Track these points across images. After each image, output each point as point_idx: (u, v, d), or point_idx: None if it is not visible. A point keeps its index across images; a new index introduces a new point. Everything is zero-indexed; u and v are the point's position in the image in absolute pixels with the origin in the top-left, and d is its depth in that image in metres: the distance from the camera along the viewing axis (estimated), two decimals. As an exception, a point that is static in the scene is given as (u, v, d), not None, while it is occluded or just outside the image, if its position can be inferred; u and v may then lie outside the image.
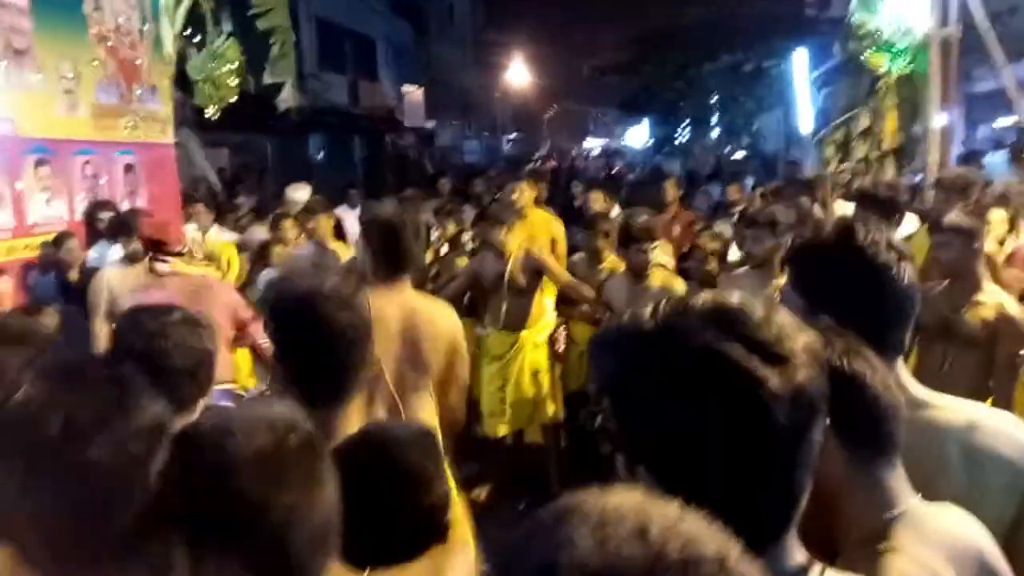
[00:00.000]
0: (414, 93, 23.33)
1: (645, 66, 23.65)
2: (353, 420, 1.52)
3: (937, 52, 7.58)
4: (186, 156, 7.53)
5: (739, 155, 22.11)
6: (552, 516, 0.56)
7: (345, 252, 5.55)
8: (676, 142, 25.98)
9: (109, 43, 6.12)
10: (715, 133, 24.90)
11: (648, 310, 0.80)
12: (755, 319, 0.77)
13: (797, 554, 0.82)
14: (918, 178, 7.81)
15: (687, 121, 25.33)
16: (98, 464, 0.84)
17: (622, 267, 4.55)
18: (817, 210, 5.77)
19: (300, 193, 7.00)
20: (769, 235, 3.60)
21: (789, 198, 6.27)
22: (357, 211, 8.98)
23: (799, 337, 0.77)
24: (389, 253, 2.52)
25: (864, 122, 9.23)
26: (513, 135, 39.44)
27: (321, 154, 18.96)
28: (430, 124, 25.28)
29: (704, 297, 0.80)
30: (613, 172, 20.23)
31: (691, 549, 0.53)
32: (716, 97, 23.45)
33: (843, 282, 1.35)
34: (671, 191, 6.76)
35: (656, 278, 4.24)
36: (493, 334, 4.65)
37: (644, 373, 0.77)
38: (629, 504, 0.56)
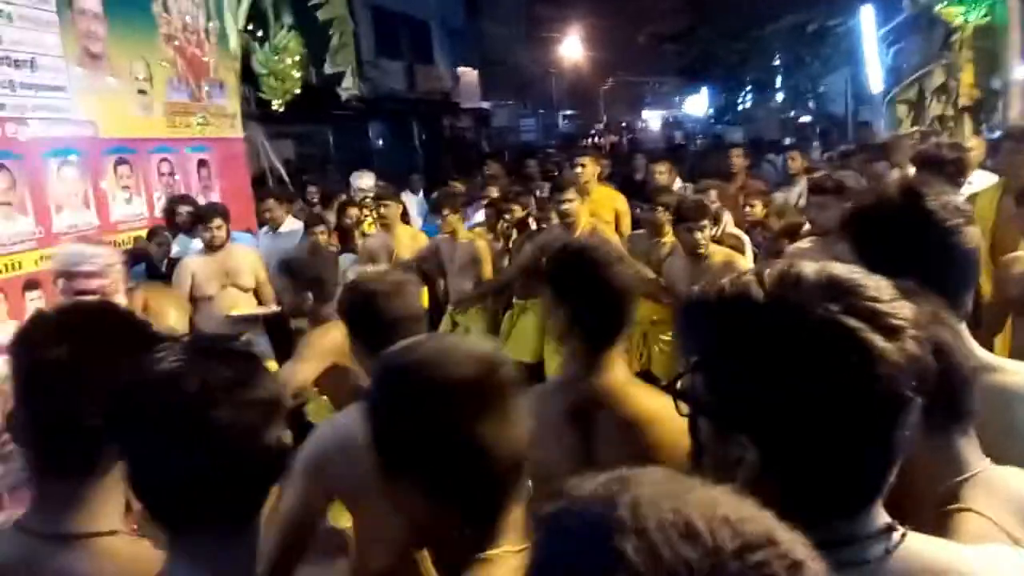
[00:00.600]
0: (469, 74, 23.38)
1: (703, 31, 23.08)
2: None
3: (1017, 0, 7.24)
4: (254, 149, 7.79)
5: (805, 119, 21.49)
6: (590, 528, 0.54)
7: (411, 237, 5.69)
8: (738, 109, 25.35)
9: (177, 42, 6.36)
10: (779, 97, 24.20)
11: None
12: (869, 290, 0.80)
13: (881, 517, 0.86)
14: (997, 135, 7.49)
15: (749, 86, 24.67)
16: (223, 425, 0.95)
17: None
18: (896, 175, 5.59)
19: (364, 180, 7.16)
20: (836, 202, 3.51)
21: (861, 163, 6.09)
22: (420, 196, 9.19)
23: (907, 307, 0.81)
24: None
25: (938, 78, 8.86)
26: (569, 111, 39.12)
27: (380, 140, 19.24)
28: (486, 105, 25.32)
29: (815, 268, 0.82)
30: (674, 143, 19.96)
31: (744, 537, 0.52)
32: (779, 60, 22.77)
33: (908, 246, 1.34)
34: (738, 160, 6.63)
35: (717, 255, 4.09)
36: None
37: (754, 342, 0.79)
38: (663, 495, 0.54)
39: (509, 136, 27.32)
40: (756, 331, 0.79)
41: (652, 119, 43.44)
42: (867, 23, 16.48)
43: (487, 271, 5.27)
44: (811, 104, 22.42)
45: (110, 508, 1.17)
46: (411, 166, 14.53)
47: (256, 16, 7.61)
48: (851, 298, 0.78)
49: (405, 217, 6.24)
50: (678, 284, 4.16)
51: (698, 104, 37.77)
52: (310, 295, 3.00)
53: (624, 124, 37.09)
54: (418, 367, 1.07)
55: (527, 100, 33.04)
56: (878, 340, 0.77)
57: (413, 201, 8.49)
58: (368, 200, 6.20)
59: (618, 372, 1.76)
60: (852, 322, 0.77)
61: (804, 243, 3.76)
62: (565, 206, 4.69)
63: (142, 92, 5.89)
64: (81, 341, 1.15)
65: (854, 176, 4.17)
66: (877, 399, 0.77)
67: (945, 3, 7.84)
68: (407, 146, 20.06)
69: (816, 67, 21.43)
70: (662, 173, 6.44)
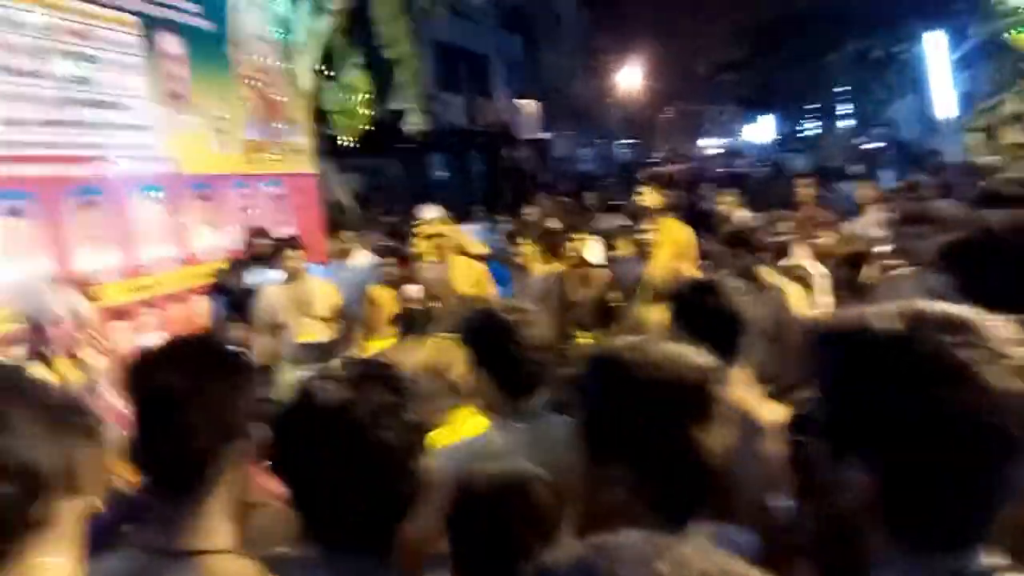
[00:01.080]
0: (528, 106, 23.67)
1: (763, 59, 22.95)
2: None
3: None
4: (324, 183, 8.03)
5: (870, 146, 21.06)
6: None
7: (467, 266, 5.74)
8: (800, 136, 25.02)
9: (253, 83, 6.64)
10: (842, 124, 23.80)
11: (888, 313, 0.87)
12: (990, 330, 0.84)
13: (987, 556, 0.86)
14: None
15: (811, 114, 24.35)
16: (388, 445, 1.03)
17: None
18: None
19: (430, 213, 7.29)
20: (932, 232, 3.37)
21: (936, 192, 5.93)
22: (480, 226, 9.29)
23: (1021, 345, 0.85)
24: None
25: (1011, 106, 8.63)
26: (626, 140, 39.16)
27: (442, 172, 19.58)
28: (545, 135, 25.55)
29: (940, 306, 0.87)
30: (734, 172, 19.76)
31: None
32: (842, 87, 22.46)
33: (1013, 280, 1.34)
34: (804, 190, 6.50)
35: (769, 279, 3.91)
36: None
37: (879, 373, 0.85)
38: (638, 560, 0.56)
39: (567, 166, 27.47)
40: (882, 360, 0.85)
41: (710, 148, 43.11)
42: (934, 50, 16.15)
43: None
44: (876, 131, 22.00)
45: (221, 526, 1.23)
46: (471, 197, 14.74)
47: (327, 56, 7.90)
48: (972, 336, 0.83)
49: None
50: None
51: (758, 132, 37.41)
52: None
53: (681, 153, 36.90)
54: (642, 365, 1.15)
55: (585, 130, 33.22)
56: (996, 378, 0.80)
57: (473, 232, 8.59)
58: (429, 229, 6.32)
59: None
60: (972, 360, 0.81)
61: (898, 273, 3.66)
62: (643, 236, 4.69)
63: (220, 131, 6.15)
64: (191, 369, 1.24)
65: (950, 206, 4.03)
66: (990, 436, 0.81)
67: (1015, 31, 7.65)
68: (467, 177, 20.36)
69: (882, 93, 21.06)
70: (728, 203, 6.37)
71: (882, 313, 0.88)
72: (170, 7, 5.68)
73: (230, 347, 1.43)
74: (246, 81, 6.55)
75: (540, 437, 1.67)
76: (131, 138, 5.24)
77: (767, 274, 3.77)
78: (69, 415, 1.11)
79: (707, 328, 1.74)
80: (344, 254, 6.16)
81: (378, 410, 1.04)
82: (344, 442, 1.03)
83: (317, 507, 1.07)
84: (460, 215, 8.35)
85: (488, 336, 1.80)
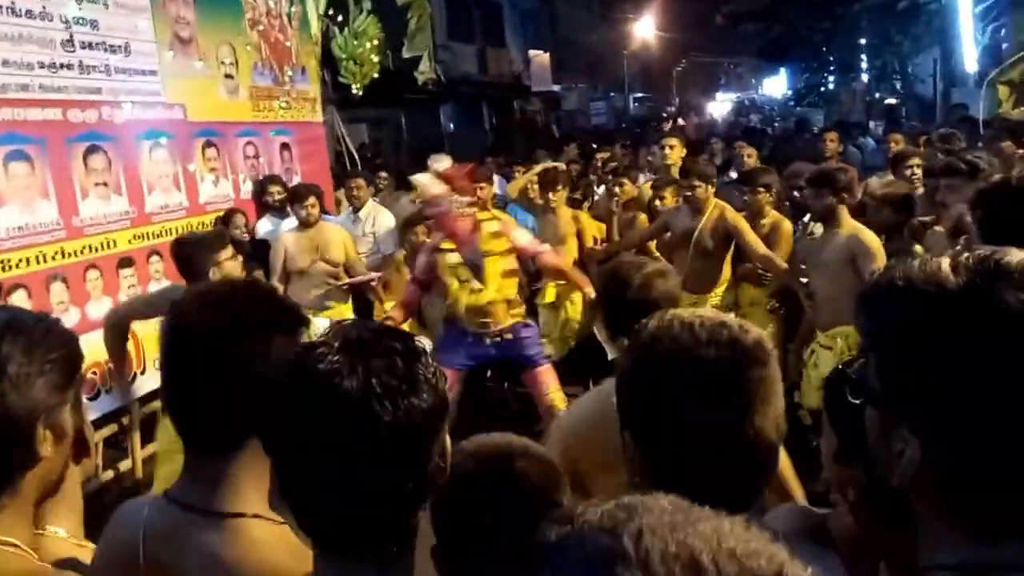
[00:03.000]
0: (540, 57, 23.30)
1: (786, 8, 22.39)
2: None
3: None
4: (331, 133, 7.94)
5: (891, 100, 20.69)
6: (592, 558, 0.53)
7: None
8: (820, 90, 24.56)
9: (261, 27, 6.52)
10: (864, 78, 23.35)
11: (947, 264, 0.77)
12: None
13: None
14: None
15: (832, 67, 23.87)
16: (390, 424, 0.87)
17: (785, 223, 4.47)
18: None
19: (440, 164, 7.23)
20: (969, 184, 3.31)
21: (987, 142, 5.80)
22: (495, 180, 9.23)
23: None
24: None
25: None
26: (640, 94, 38.60)
27: (452, 124, 19.39)
28: (557, 88, 25.19)
29: (1014, 256, 0.76)
30: (749, 126, 19.46)
31: (750, 573, 0.50)
32: (865, 38, 21.95)
33: None
34: (831, 145, 6.41)
35: (846, 227, 3.88)
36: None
37: (938, 330, 0.75)
38: (667, 526, 0.53)
39: (579, 119, 27.14)
40: (943, 318, 0.75)
41: (726, 102, 42.49)
42: (962, 0, 15.73)
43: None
44: (897, 85, 21.57)
45: (255, 489, 1.16)
46: (482, 149, 14.60)
47: (336, 1, 7.74)
48: None
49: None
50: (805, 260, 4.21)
51: (776, 86, 36.78)
52: None
53: (695, 107, 36.39)
54: (678, 345, 1.06)
55: (598, 83, 32.74)
56: None
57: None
58: None
59: None
60: None
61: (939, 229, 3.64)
62: (693, 192, 4.68)
63: (228, 76, 6.07)
64: (229, 316, 1.17)
65: (986, 158, 3.98)
66: None
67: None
68: (478, 130, 20.17)
69: (905, 46, 20.58)
70: (750, 157, 6.27)
71: (946, 263, 0.77)
72: (176, -53, 5.55)
73: (277, 294, 1.37)
74: (254, 26, 6.43)
75: None
76: (138, 83, 5.17)
77: (846, 215, 3.85)
78: (59, 355, 1.07)
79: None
80: (359, 202, 6.09)
81: (387, 385, 0.87)
82: (346, 421, 0.86)
83: (310, 501, 0.92)
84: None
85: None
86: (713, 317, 1.09)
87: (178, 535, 1.15)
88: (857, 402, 0.83)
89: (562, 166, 6.67)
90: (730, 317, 1.11)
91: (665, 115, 25.05)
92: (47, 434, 1.03)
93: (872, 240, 3.72)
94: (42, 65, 4.42)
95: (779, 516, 1.28)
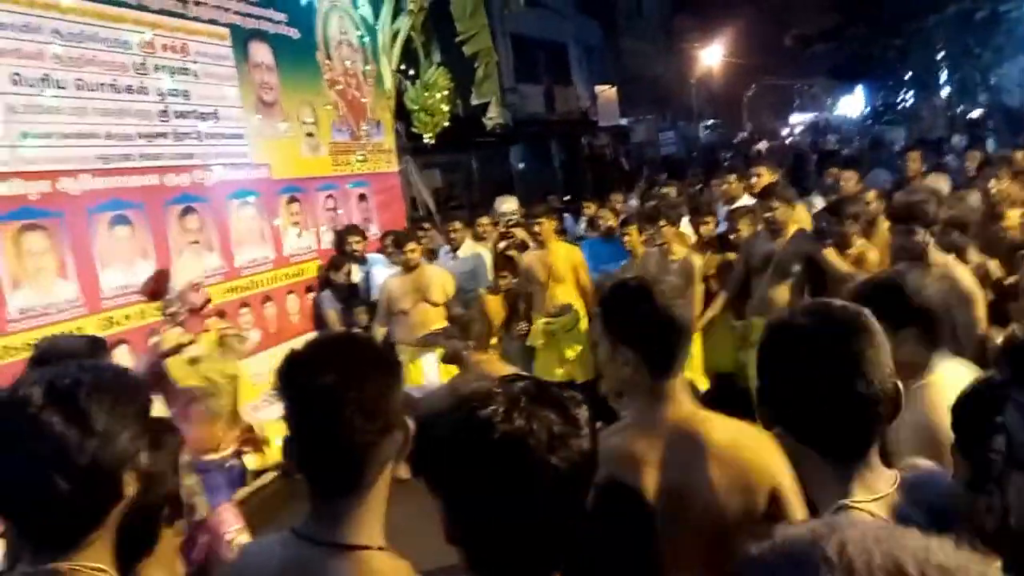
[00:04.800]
0: (607, 92, 23.46)
1: (855, 27, 21.92)
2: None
3: None
4: (407, 180, 8.22)
5: (975, 114, 19.93)
6: (796, 566, 0.54)
7: (567, 251, 5.77)
8: (899, 107, 23.87)
9: (339, 87, 6.86)
10: (944, 92, 22.58)
11: None
12: None
13: None
14: None
15: (909, 82, 23.18)
16: (561, 473, 0.96)
17: (871, 253, 4.36)
18: None
19: (507, 205, 7.42)
20: None
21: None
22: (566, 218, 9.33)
23: None
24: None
25: None
26: (710, 121, 38.25)
27: (521, 163, 19.68)
28: (624, 121, 25.26)
29: None
30: (824, 148, 19.05)
31: None
32: (943, 52, 21.28)
33: None
34: (913, 165, 6.21)
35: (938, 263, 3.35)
36: (756, 320, 4.58)
37: None
38: (872, 539, 0.54)
39: (648, 150, 27.08)
40: None
41: (799, 125, 41.63)
42: (1046, 6, 15.12)
43: (698, 290, 5.19)
44: (981, 98, 20.78)
45: (375, 523, 1.31)
46: (551, 187, 14.77)
47: (407, 55, 8.07)
48: None
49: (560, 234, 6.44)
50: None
51: (852, 105, 35.90)
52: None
53: (768, 130, 35.77)
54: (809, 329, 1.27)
55: (667, 113, 32.66)
56: None
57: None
58: (512, 222, 6.47)
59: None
60: None
61: None
62: (772, 214, 4.61)
63: (309, 135, 6.39)
64: (343, 368, 1.28)
65: None
66: None
67: None
68: (547, 168, 20.38)
69: (986, 57, 19.87)
70: (848, 180, 5.92)
71: None
72: (260, 17, 5.94)
73: (376, 344, 1.50)
74: (333, 86, 6.77)
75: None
76: (226, 147, 5.51)
77: (934, 250, 3.34)
78: (156, 425, 1.20)
79: (640, 336, 1.67)
80: (456, 244, 6.33)
81: (553, 436, 0.96)
82: (517, 469, 0.96)
83: (477, 535, 1.01)
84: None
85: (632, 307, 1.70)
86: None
87: (312, 569, 1.27)
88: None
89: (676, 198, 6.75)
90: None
91: (736, 142, 24.75)
92: (130, 478, 1.16)
93: (969, 282, 3.23)
94: (140, 135, 4.78)
95: (923, 483, 1.34)
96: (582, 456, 0.98)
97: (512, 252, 5.96)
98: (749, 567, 0.59)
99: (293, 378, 1.30)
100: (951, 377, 1.85)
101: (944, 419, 1.24)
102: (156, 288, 3.89)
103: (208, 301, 4.08)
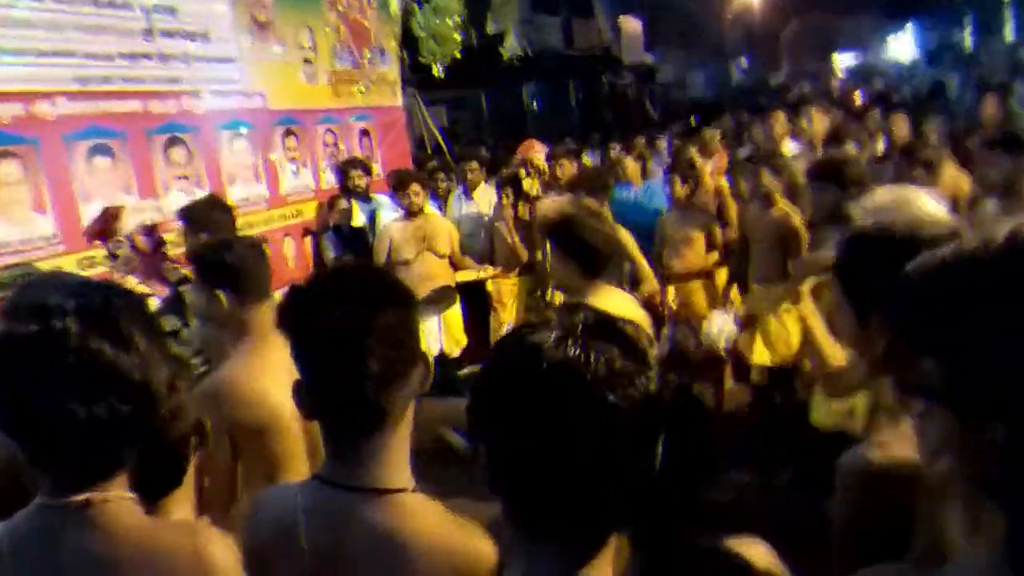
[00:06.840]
0: (631, 24, 23.04)
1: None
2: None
3: None
4: (409, 115, 8.10)
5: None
6: None
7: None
8: (955, 49, 23.43)
9: (340, 8, 6.70)
10: (1007, 34, 22.12)
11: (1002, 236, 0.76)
12: None
13: None
14: None
15: (968, 21, 22.71)
16: (617, 411, 0.88)
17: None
18: None
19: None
20: None
21: None
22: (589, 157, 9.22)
23: None
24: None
25: None
26: (745, 61, 37.69)
27: (536, 102, 19.43)
28: (650, 58, 24.86)
29: None
30: (875, 92, 18.70)
31: None
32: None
33: None
34: (990, 108, 6.05)
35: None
36: (756, 288, 4.60)
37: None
38: None
39: (675, 92, 26.71)
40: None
41: (844, 65, 41.01)
42: None
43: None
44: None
45: (403, 462, 1.31)
46: (567, 129, 14.56)
47: (417, -25, 7.90)
48: None
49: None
50: None
51: (901, 46, 35.25)
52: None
53: (810, 73, 35.22)
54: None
55: (696, 50, 32.13)
56: None
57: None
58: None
59: None
60: None
61: None
62: (761, 182, 4.54)
63: (307, 61, 6.26)
64: (361, 297, 1.27)
65: None
66: None
67: None
68: (564, 107, 20.13)
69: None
70: (901, 127, 5.84)
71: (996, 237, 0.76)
72: (253, -74, 5.75)
73: (387, 274, 1.47)
74: (333, 6, 6.61)
75: None
76: (217, 71, 5.39)
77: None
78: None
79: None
80: (472, 185, 6.28)
81: (613, 371, 0.89)
82: (566, 404, 0.88)
83: (520, 482, 0.93)
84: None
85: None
86: None
87: (342, 515, 1.26)
88: None
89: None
90: None
91: (776, 86, 24.38)
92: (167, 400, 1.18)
93: None
94: (121, 55, 4.67)
95: None
96: (647, 399, 0.89)
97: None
98: None
99: (305, 312, 1.27)
100: None
101: None
102: (104, 227, 3.75)
103: (162, 244, 3.91)
